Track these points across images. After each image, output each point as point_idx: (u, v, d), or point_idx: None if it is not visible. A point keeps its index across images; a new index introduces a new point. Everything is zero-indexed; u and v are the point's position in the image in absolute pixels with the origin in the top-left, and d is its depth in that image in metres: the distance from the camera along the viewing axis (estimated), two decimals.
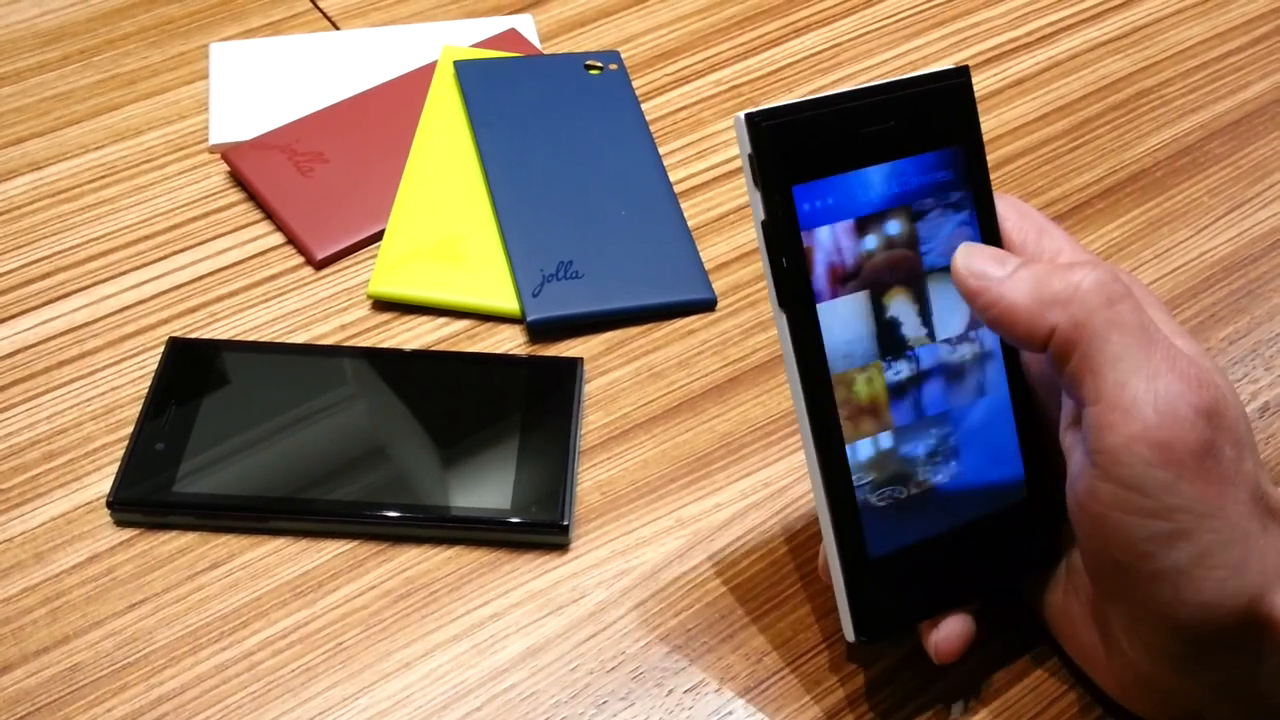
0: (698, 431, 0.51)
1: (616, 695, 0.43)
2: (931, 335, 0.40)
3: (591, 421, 0.51)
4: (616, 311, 0.55)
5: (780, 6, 0.72)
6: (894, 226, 0.39)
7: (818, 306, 0.38)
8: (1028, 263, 0.37)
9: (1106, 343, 0.34)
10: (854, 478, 0.39)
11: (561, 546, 0.47)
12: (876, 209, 0.39)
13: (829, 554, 0.40)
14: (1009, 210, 0.40)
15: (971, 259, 0.37)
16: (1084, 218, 0.60)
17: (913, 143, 0.39)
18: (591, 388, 0.52)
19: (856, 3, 0.72)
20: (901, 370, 0.39)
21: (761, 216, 0.37)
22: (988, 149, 0.63)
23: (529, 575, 0.46)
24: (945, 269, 0.39)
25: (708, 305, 0.56)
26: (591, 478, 0.49)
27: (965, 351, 0.40)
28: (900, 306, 0.39)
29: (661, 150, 0.62)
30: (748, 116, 0.37)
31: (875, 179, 0.38)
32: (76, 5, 0.71)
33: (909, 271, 0.39)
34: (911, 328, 0.39)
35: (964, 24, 0.71)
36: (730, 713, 0.42)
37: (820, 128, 0.38)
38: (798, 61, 0.68)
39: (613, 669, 0.44)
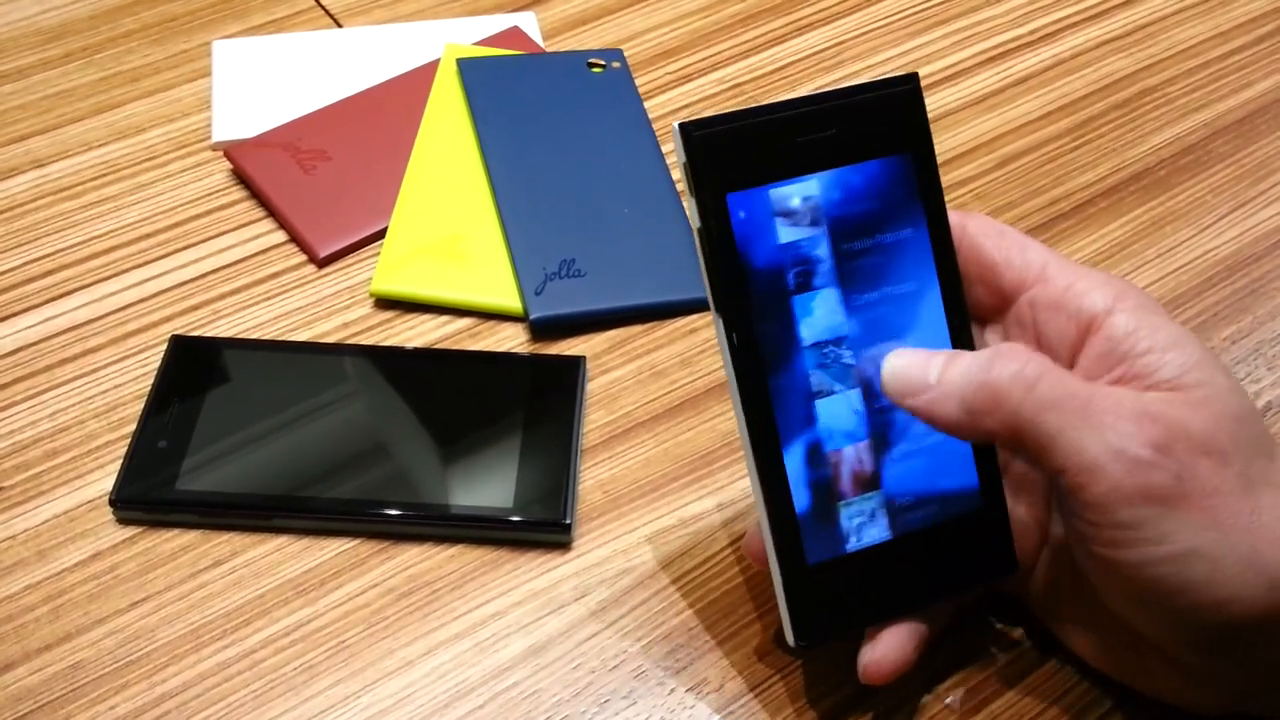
0: (700, 430, 0.51)
1: (619, 694, 0.43)
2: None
3: (593, 420, 0.51)
4: (619, 310, 0.55)
5: (783, 4, 0.72)
6: None
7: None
8: (950, 361, 0.37)
9: (1043, 424, 0.35)
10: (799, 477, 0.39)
11: (563, 545, 0.47)
12: None
13: (769, 557, 0.39)
14: (987, 230, 0.41)
15: (896, 373, 0.38)
16: (1086, 217, 0.60)
17: (857, 150, 0.39)
18: (594, 386, 0.52)
19: (859, 0, 0.72)
20: None
21: (697, 224, 0.37)
22: (990, 148, 0.64)
23: (531, 574, 0.46)
24: None
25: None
26: (593, 476, 0.49)
27: None
28: None
29: (664, 148, 0.62)
30: (681, 126, 0.37)
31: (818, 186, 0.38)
32: (78, 2, 0.71)
33: None
34: None
35: (966, 22, 0.71)
36: (732, 712, 0.42)
37: (756, 136, 0.37)
38: (800, 59, 0.68)
39: (615, 667, 0.44)
